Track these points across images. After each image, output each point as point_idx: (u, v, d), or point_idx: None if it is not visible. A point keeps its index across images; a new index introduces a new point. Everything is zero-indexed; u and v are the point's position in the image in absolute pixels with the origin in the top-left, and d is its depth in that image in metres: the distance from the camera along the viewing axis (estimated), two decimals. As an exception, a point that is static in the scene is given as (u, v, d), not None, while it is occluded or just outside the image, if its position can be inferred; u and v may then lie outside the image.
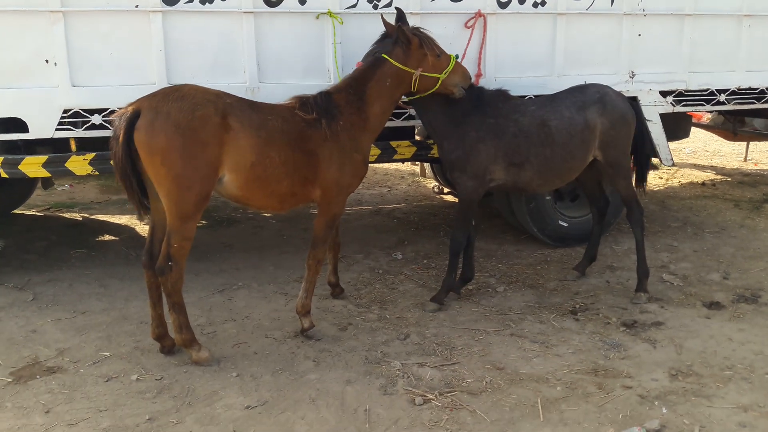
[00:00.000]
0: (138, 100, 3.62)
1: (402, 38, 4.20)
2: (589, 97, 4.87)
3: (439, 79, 4.34)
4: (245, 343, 4.22)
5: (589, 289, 5.19)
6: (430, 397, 3.57)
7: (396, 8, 4.40)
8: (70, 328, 4.39)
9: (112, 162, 3.63)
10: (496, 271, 5.59)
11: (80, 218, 7.04)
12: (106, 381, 3.73)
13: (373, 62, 4.25)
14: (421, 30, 4.36)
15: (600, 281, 5.37)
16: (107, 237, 6.41)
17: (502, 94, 4.82)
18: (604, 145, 4.83)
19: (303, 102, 4.09)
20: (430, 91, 4.42)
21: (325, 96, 4.16)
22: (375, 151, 5.31)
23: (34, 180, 6.46)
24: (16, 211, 7.02)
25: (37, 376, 3.77)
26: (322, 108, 4.07)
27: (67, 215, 7.14)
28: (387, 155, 5.38)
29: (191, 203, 3.64)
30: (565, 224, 6.08)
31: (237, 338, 4.29)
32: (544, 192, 5.50)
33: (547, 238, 6.08)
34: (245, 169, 3.74)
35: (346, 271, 5.52)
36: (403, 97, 4.55)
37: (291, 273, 5.43)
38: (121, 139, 3.52)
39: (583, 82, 5.36)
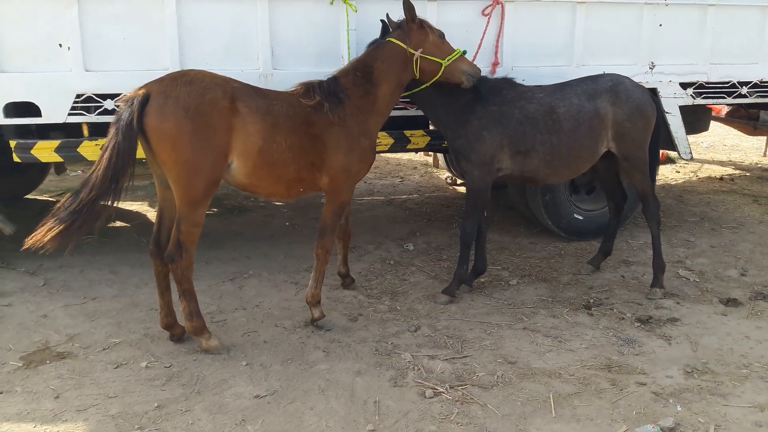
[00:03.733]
0: (146, 84, 3.58)
1: (408, 11, 4.19)
2: (600, 85, 4.78)
3: (441, 65, 4.29)
4: (255, 331, 4.20)
5: (603, 284, 5.11)
6: (441, 390, 3.53)
7: (405, 1, 4.30)
8: (81, 314, 4.39)
9: (107, 145, 3.47)
10: (510, 263, 5.52)
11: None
12: (116, 367, 3.72)
13: (377, 44, 4.25)
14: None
15: (615, 276, 5.28)
16: (118, 223, 6.41)
17: (507, 82, 4.75)
18: (618, 137, 4.73)
19: (308, 87, 4.05)
20: (433, 79, 4.36)
21: (332, 80, 4.12)
22: (388, 141, 5.26)
23: (47, 165, 6.47)
24: (29, 196, 7.03)
25: (47, 362, 3.77)
26: (329, 92, 4.03)
27: (80, 201, 7.13)
28: (400, 145, 5.32)
29: (201, 189, 3.60)
30: (581, 217, 5.99)
31: (247, 327, 4.26)
32: (555, 183, 5.41)
33: (562, 232, 5.99)
34: (253, 154, 3.70)
35: (357, 261, 5.48)
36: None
37: (301, 262, 5.39)
38: (134, 120, 3.46)
39: (602, 72, 5.26)
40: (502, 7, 5.15)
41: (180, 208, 3.63)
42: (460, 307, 4.65)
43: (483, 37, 5.13)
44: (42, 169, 6.80)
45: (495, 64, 5.28)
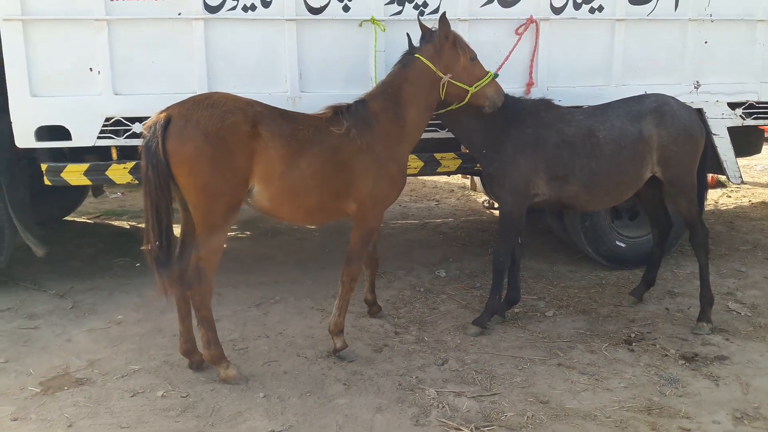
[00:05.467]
0: (168, 107, 3.55)
1: (442, 27, 4.03)
2: (645, 106, 4.53)
3: (468, 92, 4.14)
4: (276, 361, 4.07)
5: (646, 317, 4.81)
6: (465, 431, 3.31)
7: (442, 15, 4.19)
8: (104, 338, 4.36)
9: (143, 175, 3.52)
10: (546, 293, 5.26)
11: (128, 226, 7.11)
12: (132, 396, 3.64)
13: (404, 63, 4.10)
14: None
15: (658, 308, 4.97)
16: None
17: (544, 103, 4.54)
18: (663, 161, 4.46)
19: (336, 111, 3.94)
20: (458, 105, 4.22)
21: (361, 104, 4.00)
22: (417, 164, 5.11)
23: (86, 187, 6.56)
24: (68, 218, 7.15)
25: (65, 388, 3.72)
26: (357, 117, 3.91)
27: (116, 223, 7.23)
28: (430, 168, 5.16)
29: (220, 214, 3.52)
30: (623, 245, 5.69)
31: (268, 356, 4.15)
32: (596, 210, 5.16)
33: (603, 259, 5.70)
34: (274, 180, 3.61)
35: (386, 288, 5.32)
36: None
37: (329, 288, 5.26)
38: (159, 147, 3.43)
39: (643, 93, 5.02)
40: (537, 25, 4.98)
41: (199, 232, 3.57)
42: (491, 340, 4.42)
43: (514, 55, 4.95)
44: (81, 191, 6.90)
45: (529, 84, 5.09)
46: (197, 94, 4.35)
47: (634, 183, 4.51)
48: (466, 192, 8.95)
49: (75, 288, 5.18)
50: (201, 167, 3.42)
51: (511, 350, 4.25)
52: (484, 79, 4.16)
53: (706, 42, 5.32)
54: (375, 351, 4.22)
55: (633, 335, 4.48)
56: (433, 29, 4.15)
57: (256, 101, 3.74)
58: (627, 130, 4.42)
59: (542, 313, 4.88)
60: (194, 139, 3.40)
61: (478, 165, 5.26)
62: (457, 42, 4.11)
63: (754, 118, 5.60)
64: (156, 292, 3.61)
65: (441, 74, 4.07)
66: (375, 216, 4.10)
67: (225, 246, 3.76)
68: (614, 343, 4.35)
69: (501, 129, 4.42)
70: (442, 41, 4.05)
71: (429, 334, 4.51)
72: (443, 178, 9.48)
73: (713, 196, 8.30)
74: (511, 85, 4.92)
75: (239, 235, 6.79)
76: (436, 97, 4.17)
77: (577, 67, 5.17)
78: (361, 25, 4.74)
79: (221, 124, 3.43)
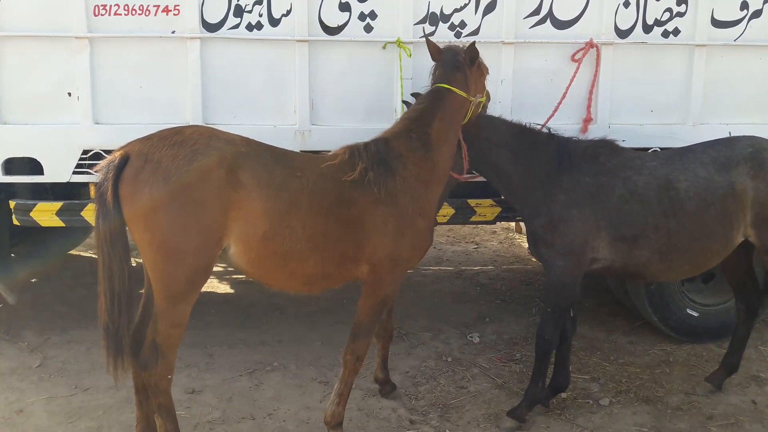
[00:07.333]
0: (129, 143, 2.87)
1: (471, 55, 3.44)
2: (737, 152, 3.61)
3: (482, 103, 3.66)
4: (257, 456, 3.30)
5: (727, 412, 3.86)
6: None
7: (471, 44, 3.45)
8: (62, 411, 3.69)
9: (95, 227, 2.85)
10: (601, 372, 4.33)
11: (134, 264, 6.49)
12: (70, 500, 2.92)
13: (434, 96, 3.37)
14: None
15: (743, 400, 3.99)
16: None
17: (607, 145, 3.70)
18: (760, 222, 3.52)
19: (353, 152, 3.18)
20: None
21: (383, 144, 3.24)
22: (448, 211, 4.32)
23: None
24: (74, 252, 6.61)
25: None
26: (376, 160, 3.14)
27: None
28: (462, 216, 4.36)
29: (182, 280, 2.80)
30: (695, 314, 4.70)
31: (249, 448, 3.38)
32: (672, 281, 4.23)
33: (671, 330, 4.72)
34: (256, 242, 2.86)
35: (407, 356, 4.50)
36: None
37: (338, 353, 4.41)
38: (109, 194, 2.75)
39: (728, 134, 4.11)
40: (597, 50, 4.16)
41: (158, 302, 2.85)
42: (530, 437, 3.55)
43: (569, 86, 4.14)
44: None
45: (587, 121, 4.27)
46: (193, 125, 3.73)
47: (722, 250, 3.58)
48: (510, 234, 8.07)
49: (51, 340, 4.56)
50: (158, 221, 2.72)
51: (555, 458, 3.36)
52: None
53: (809, 73, 4.38)
54: (382, 449, 3.40)
55: (712, 439, 3.55)
56: (452, 48, 3.50)
57: (242, 138, 3.01)
58: (714, 181, 3.51)
59: (596, 401, 3.97)
60: (151, 185, 2.70)
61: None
62: (481, 63, 3.55)
63: None
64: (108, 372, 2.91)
65: (472, 98, 3.45)
66: (392, 282, 3.33)
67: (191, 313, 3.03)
68: (689, 451, 3.43)
69: (549, 174, 3.59)
70: (470, 68, 3.43)
71: (453, 424, 3.67)
72: (485, 218, 8.62)
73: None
74: (564, 121, 4.14)
75: (248, 279, 6.10)
76: (460, 124, 3.52)
77: (646, 101, 4.35)
78: (384, 47, 4.03)
79: (187, 168, 2.72)
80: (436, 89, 3.39)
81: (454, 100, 3.39)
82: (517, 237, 7.94)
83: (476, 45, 3.44)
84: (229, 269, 6.02)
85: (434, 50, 3.51)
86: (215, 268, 6.12)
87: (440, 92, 3.38)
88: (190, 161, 2.73)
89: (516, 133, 3.72)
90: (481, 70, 3.55)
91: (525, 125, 3.77)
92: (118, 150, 2.84)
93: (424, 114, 3.37)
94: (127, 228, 2.83)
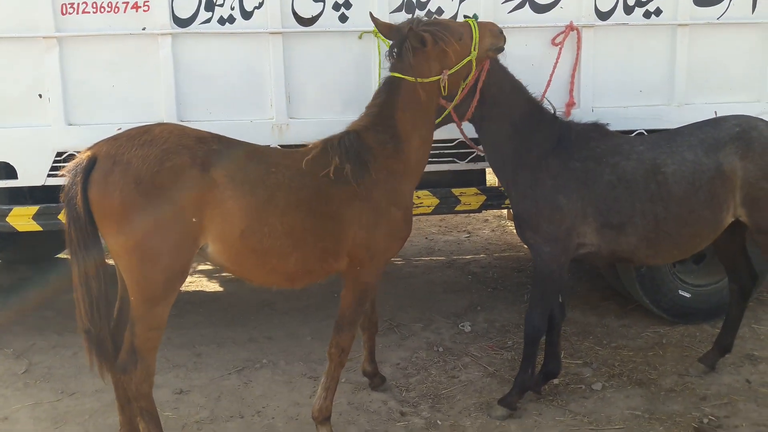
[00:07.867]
0: (96, 144, 2.81)
1: (412, 41, 3.15)
2: (724, 132, 3.54)
3: (472, 61, 3.29)
4: (245, 456, 3.26)
5: (721, 392, 3.83)
6: None
7: (409, 28, 3.22)
8: (48, 416, 3.63)
9: (66, 232, 2.79)
10: (593, 356, 4.30)
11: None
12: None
13: (389, 88, 3.24)
14: (426, 19, 3.32)
15: (737, 380, 3.96)
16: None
17: (597, 130, 3.62)
18: (751, 202, 3.47)
19: (326, 145, 3.12)
20: (466, 81, 3.36)
21: (355, 137, 3.16)
22: (432, 201, 4.26)
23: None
24: (60, 256, 6.54)
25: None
26: (350, 153, 3.08)
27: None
28: (447, 206, 4.30)
29: (158, 282, 2.75)
30: (688, 294, 4.66)
31: (237, 447, 3.34)
32: (660, 264, 4.18)
33: (663, 312, 4.68)
34: (234, 239, 2.81)
35: (397, 347, 4.46)
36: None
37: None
38: (78, 198, 2.69)
39: (713, 113, 4.05)
40: (578, 33, 4.09)
41: (134, 305, 2.80)
42: (521, 425, 3.53)
43: (553, 72, 4.06)
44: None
45: (570, 105, 4.21)
46: (167, 122, 3.66)
47: (710, 233, 3.54)
48: (502, 222, 8.01)
49: (37, 345, 4.51)
50: (131, 224, 2.66)
51: (547, 444, 3.33)
52: (474, 32, 3.28)
53: (794, 49, 4.32)
54: (372, 443, 3.37)
55: (706, 420, 3.52)
56: (402, 29, 3.22)
57: (213, 135, 2.95)
58: (702, 164, 3.45)
59: (588, 385, 3.94)
60: (122, 188, 2.63)
61: (507, 202, 4.37)
62: (436, 38, 3.15)
63: None
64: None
65: (437, 77, 3.23)
66: (372, 271, 3.28)
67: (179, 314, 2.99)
68: (681, 430, 3.42)
69: (538, 156, 3.52)
70: (425, 47, 3.16)
71: (444, 414, 3.64)
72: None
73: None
74: (546, 105, 4.02)
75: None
76: (437, 104, 3.37)
77: (630, 83, 4.26)
78: (361, 37, 3.96)
79: (158, 168, 2.66)
80: (389, 80, 3.25)
81: (412, 87, 3.19)
82: (509, 224, 7.88)
83: (432, 18, 3.29)
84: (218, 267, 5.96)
85: (385, 29, 3.30)
86: (204, 267, 6.12)
87: (394, 82, 3.22)
88: (162, 162, 2.67)
89: (525, 111, 3.59)
90: (441, 46, 3.15)
91: (538, 104, 3.67)
92: (85, 152, 2.78)
93: (383, 108, 3.24)
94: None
